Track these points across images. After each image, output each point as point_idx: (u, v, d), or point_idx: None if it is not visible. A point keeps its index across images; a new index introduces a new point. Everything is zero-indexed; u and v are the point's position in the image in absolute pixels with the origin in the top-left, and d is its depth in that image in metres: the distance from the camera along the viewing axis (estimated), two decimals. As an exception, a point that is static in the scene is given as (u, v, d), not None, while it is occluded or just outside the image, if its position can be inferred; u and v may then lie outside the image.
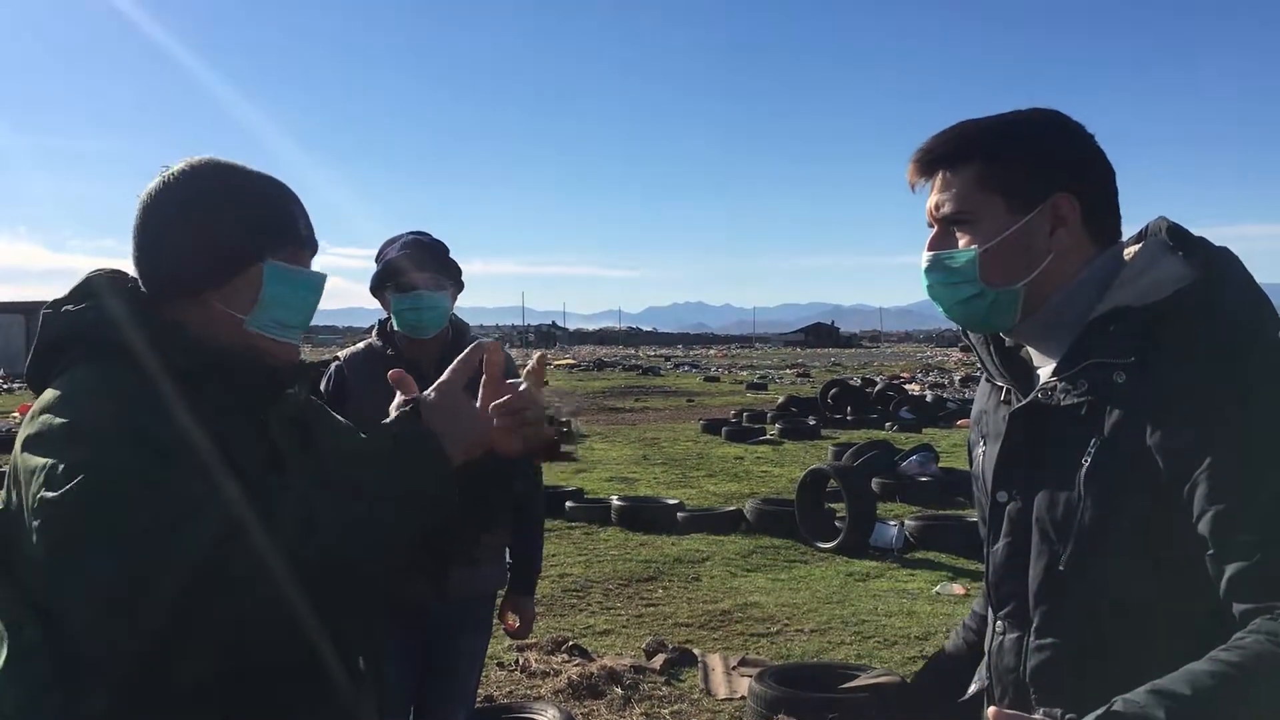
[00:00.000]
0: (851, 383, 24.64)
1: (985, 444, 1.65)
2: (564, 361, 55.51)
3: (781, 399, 23.41)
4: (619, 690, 5.31)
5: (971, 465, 1.73)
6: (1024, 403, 1.51)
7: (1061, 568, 1.44)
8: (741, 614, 6.94)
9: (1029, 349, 1.60)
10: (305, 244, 1.62)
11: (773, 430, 18.63)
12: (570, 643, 6.07)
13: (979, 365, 1.68)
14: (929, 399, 22.85)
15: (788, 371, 45.67)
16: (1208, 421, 1.32)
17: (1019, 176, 1.51)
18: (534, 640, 6.00)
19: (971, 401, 1.79)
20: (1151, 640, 1.38)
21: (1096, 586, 1.42)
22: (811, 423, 19.32)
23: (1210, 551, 1.31)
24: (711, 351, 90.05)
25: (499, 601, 3.37)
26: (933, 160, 1.56)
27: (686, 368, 50.78)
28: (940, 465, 12.22)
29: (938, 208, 1.55)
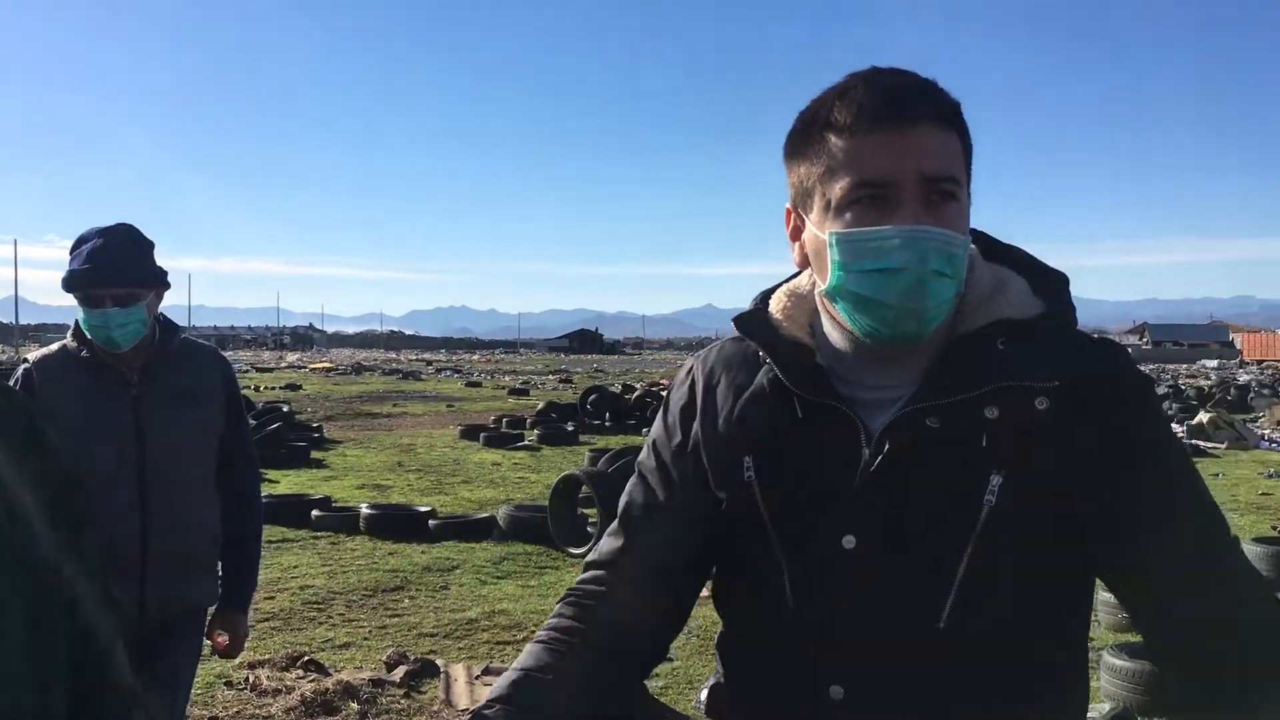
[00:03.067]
0: (611, 389, 25.03)
1: (755, 459, 1.30)
2: (321, 365, 53.52)
3: (542, 405, 23.49)
4: (355, 705, 5.13)
5: (718, 481, 1.35)
6: (901, 429, 1.21)
7: (941, 624, 1.19)
8: (489, 622, 6.88)
9: (849, 364, 1.29)
10: None
11: (531, 436, 18.66)
12: (306, 658, 5.82)
13: (771, 370, 1.31)
14: (685, 405, 23.46)
15: (550, 377, 45.89)
16: (1158, 465, 1.21)
17: (970, 158, 1.23)
18: (267, 656, 5.73)
19: None
20: (1024, 689, 1.23)
21: (979, 640, 1.20)
22: (570, 429, 19.48)
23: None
24: (475, 356, 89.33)
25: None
26: (929, 105, 1.18)
27: (449, 373, 50.06)
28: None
29: (930, 164, 1.16)
